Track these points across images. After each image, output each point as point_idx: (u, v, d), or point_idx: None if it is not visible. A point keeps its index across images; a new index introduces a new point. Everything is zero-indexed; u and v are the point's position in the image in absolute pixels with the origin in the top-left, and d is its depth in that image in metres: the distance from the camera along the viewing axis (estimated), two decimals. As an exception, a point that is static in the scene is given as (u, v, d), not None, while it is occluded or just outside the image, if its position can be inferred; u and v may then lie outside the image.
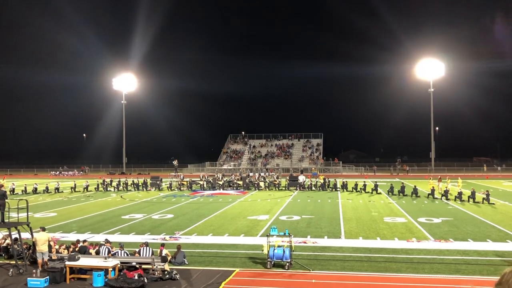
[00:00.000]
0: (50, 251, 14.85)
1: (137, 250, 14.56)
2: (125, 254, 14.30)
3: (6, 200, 14.71)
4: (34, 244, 14.40)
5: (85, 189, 41.58)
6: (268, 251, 14.17)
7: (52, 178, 64.08)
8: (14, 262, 14.20)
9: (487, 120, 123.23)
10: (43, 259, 13.70)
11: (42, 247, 13.74)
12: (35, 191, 40.76)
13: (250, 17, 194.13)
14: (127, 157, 79.24)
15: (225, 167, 70.73)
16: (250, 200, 33.23)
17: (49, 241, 15.11)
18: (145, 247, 14.34)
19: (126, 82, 75.40)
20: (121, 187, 42.81)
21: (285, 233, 14.69)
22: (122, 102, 77.11)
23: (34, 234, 14.64)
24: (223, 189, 41.23)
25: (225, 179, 45.73)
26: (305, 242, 17.66)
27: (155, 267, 13.34)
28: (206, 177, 48.13)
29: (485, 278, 12.62)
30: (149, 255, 14.05)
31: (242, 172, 54.19)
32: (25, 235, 15.71)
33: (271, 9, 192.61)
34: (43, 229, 14.49)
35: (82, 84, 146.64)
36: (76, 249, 14.95)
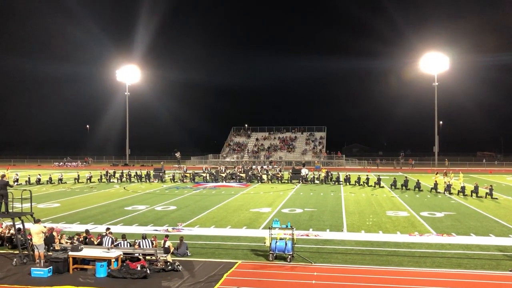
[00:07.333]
0: (53, 241, 14.93)
1: (136, 242, 14.57)
2: (128, 245, 14.39)
3: (9, 191, 14.76)
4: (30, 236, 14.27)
5: (88, 180, 41.74)
6: (270, 244, 14.21)
7: (55, 169, 64.38)
8: (17, 252, 14.28)
9: (491, 114, 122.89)
10: (39, 252, 13.40)
11: (35, 240, 13.45)
12: (38, 181, 40.98)
13: (255, 10, 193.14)
14: (130, 148, 79.50)
15: (228, 159, 70.81)
16: (253, 192, 33.28)
17: (50, 232, 15.19)
18: (143, 240, 14.40)
19: (129, 74, 75.36)
20: (124, 179, 42.95)
21: (287, 226, 14.72)
22: (126, 93, 77.12)
23: (27, 226, 14.51)
24: (225, 182, 41.31)
25: (228, 171, 45.78)
26: (307, 235, 17.69)
27: (158, 258, 13.41)
28: (209, 169, 48.19)
29: (487, 273, 12.63)
30: (149, 246, 14.13)
31: (244, 165, 54.23)
32: (29, 226, 15.79)
33: (275, 2, 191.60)
34: (37, 221, 14.06)
35: (86, 75, 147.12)
36: (80, 239, 15.02)
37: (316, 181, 40.35)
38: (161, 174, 43.68)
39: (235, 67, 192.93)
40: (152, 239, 14.81)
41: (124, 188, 36.86)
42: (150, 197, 30.54)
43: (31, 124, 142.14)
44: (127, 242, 14.55)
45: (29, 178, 41.29)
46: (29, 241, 14.92)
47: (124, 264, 12.92)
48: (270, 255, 14.11)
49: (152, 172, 44.51)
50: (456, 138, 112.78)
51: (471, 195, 29.65)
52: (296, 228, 16.66)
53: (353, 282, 11.88)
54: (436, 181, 33.67)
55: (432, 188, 33.03)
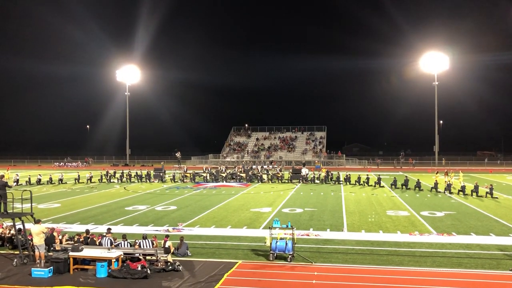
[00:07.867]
0: (53, 242, 14.94)
1: (137, 242, 14.58)
2: (128, 245, 14.39)
3: (10, 191, 14.75)
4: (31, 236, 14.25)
5: (89, 180, 41.74)
6: (271, 243, 14.22)
7: (56, 169, 64.38)
8: (18, 252, 14.29)
9: (492, 113, 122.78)
10: (39, 252, 13.38)
11: (35, 240, 13.42)
12: (39, 182, 40.98)
13: (255, 10, 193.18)
14: (131, 148, 79.45)
15: (228, 159, 70.80)
16: (253, 192, 33.28)
17: (50, 233, 15.18)
18: (143, 240, 14.41)
19: (129, 74, 75.34)
20: (124, 179, 42.95)
21: (287, 226, 14.72)
22: (126, 93, 77.08)
23: (27, 226, 14.47)
24: (226, 181, 41.30)
25: (228, 171, 45.78)
26: (307, 235, 17.69)
27: (158, 258, 13.41)
28: (209, 169, 48.18)
29: (487, 272, 12.63)
30: (149, 247, 14.13)
31: (245, 165, 54.23)
32: (30, 226, 15.79)
33: (276, 2, 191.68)
34: (38, 221, 14.02)
35: (86, 75, 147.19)
36: (81, 239, 15.02)
37: (317, 181, 40.34)
38: (161, 174, 43.68)
39: (235, 67, 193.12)
40: (153, 239, 14.82)
41: (125, 188, 36.86)
42: (150, 197, 30.55)
43: (31, 124, 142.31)
44: (127, 242, 14.56)
45: (29, 179, 41.30)
46: (30, 241, 14.94)
47: (125, 264, 12.93)
48: (271, 255, 14.12)
49: (152, 172, 44.52)
50: (456, 138, 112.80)
51: (471, 195, 29.64)
52: (297, 228, 16.67)
53: (353, 282, 11.89)
54: (436, 180, 33.68)
55: (432, 188, 33.03)
